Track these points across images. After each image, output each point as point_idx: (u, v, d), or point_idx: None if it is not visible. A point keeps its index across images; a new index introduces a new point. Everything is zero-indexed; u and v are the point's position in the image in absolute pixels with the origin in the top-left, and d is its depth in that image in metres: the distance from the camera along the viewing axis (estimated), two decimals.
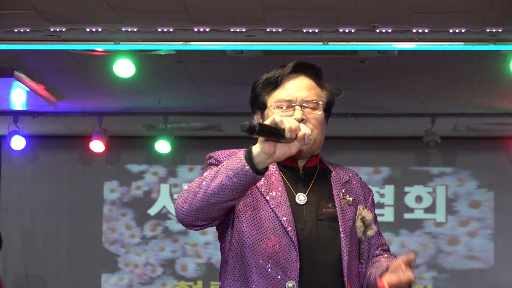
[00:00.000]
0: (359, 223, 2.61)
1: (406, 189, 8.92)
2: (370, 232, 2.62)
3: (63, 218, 8.98)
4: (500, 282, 8.73)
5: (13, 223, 9.05)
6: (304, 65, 2.65)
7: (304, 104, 2.59)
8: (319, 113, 2.60)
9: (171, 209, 9.00)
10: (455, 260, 8.80)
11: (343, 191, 2.64)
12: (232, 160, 2.38)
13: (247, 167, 2.34)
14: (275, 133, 2.34)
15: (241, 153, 2.38)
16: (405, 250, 8.83)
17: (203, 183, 2.40)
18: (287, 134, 2.35)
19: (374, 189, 8.85)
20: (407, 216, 8.89)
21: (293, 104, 2.59)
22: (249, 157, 2.35)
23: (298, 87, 2.61)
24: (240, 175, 2.35)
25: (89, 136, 8.07)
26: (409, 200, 8.91)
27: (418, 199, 8.91)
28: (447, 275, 8.78)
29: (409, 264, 2.45)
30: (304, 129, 2.40)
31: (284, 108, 2.59)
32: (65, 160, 9.09)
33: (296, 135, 2.37)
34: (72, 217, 9.04)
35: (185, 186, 2.48)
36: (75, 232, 9.01)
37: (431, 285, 8.76)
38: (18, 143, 7.85)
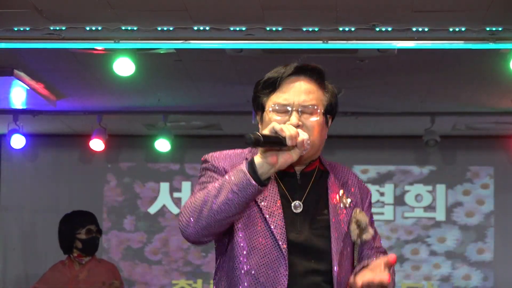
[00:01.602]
0: (353, 227, 2.57)
1: (406, 187, 8.91)
2: (366, 236, 2.59)
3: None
4: (500, 281, 8.73)
5: (13, 222, 9.05)
6: (305, 68, 2.57)
7: (301, 109, 2.52)
8: (316, 118, 2.53)
9: (171, 208, 9.00)
10: (454, 260, 8.80)
11: (341, 193, 2.60)
12: (234, 174, 2.37)
13: (252, 180, 2.34)
14: (277, 142, 2.35)
15: (243, 165, 2.37)
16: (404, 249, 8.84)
17: (208, 199, 2.38)
18: (288, 142, 2.36)
19: (374, 187, 8.84)
20: (407, 214, 8.89)
21: (290, 109, 2.52)
22: (252, 170, 2.35)
23: (296, 91, 2.54)
24: (245, 189, 2.35)
25: (88, 135, 8.05)
26: (409, 199, 8.91)
27: (418, 197, 8.91)
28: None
29: (389, 266, 2.43)
30: (303, 135, 2.41)
31: (281, 112, 2.53)
32: (65, 159, 9.08)
33: (297, 142, 2.37)
34: None
35: (188, 200, 2.47)
36: None
37: (430, 283, 8.76)
38: (18, 141, 7.84)
